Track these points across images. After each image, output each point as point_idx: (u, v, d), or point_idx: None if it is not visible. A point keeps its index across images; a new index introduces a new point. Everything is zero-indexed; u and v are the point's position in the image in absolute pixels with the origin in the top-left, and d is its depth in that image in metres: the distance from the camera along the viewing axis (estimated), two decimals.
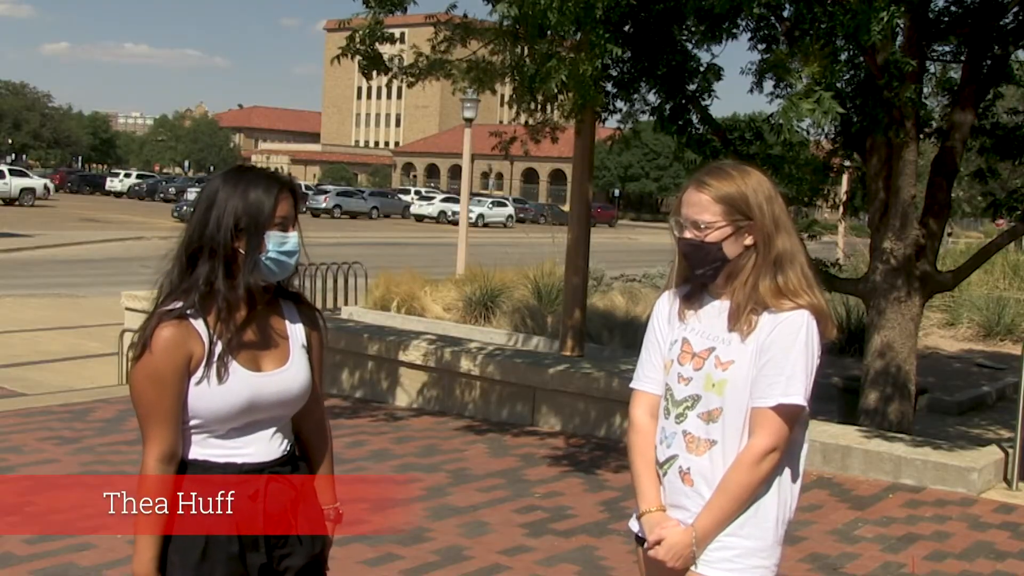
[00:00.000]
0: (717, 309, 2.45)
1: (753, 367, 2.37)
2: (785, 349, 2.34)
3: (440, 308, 15.17)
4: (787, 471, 2.43)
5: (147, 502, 2.28)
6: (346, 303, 16.37)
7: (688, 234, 2.41)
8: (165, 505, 2.30)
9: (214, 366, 2.28)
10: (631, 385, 2.62)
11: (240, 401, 2.31)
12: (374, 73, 8.03)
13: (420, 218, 57.81)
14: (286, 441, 2.45)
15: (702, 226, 2.39)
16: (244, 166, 2.45)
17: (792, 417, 2.36)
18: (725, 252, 2.39)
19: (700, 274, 2.44)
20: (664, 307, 2.59)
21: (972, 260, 8.20)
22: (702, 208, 2.39)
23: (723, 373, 2.39)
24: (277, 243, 2.32)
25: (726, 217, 2.38)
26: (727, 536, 2.39)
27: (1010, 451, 6.87)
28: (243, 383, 2.31)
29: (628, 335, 12.94)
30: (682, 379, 2.45)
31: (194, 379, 2.29)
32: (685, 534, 2.39)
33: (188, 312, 2.29)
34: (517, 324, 13.95)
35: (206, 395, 2.29)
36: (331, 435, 2.62)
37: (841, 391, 8.96)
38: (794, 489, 2.46)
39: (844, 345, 12.05)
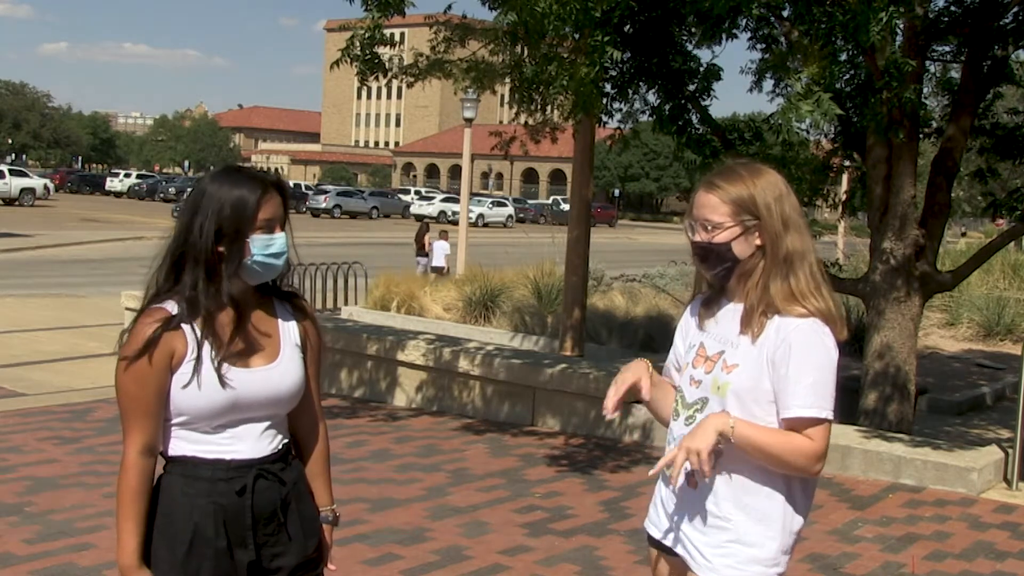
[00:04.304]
0: (732, 312, 2.44)
1: (758, 371, 2.34)
2: (802, 361, 2.31)
3: (440, 308, 15.18)
4: (798, 482, 2.41)
5: (129, 494, 2.29)
6: (346, 303, 16.38)
7: (699, 236, 2.40)
8: (148, 497, 2.32)
9: (197, 363, 2.29)
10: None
11: (224, 398, 2.31)
12: (372, 75, 8.01)
13: (420, 218, 57.78)
14: (279, 438, 2.44)
15: (710, 227, 2.37)
16: (232, 166, 2.43)
17: (827, 432, 2.34)
18: (735, 253, 2.38)
19: (712, 275, 2.43)
20: (684, 317, 2.61)
21: (972, 260, 8.19)
22: (711, 209, 2.37)
23: (727, 376, 2.37)
24: (262, 246, 2.32)
25: (734, 218, 2.36)
26: (732, 543, 2.37)
27: (1010, 451, 6.87)
28: (228, 380, 2.31)
29: (628, 335, 12.95)
30: (693, 382, 2.45)
31: (177, 376, 2.30)
32: (725, 415, 2.32)
33: (174, 312, 2.30)
34: (517, 324, 13.96)
35: (190, 392, 2.29)
36: (327, 435, 2.61)
37: (840, 391, 8.96)
38: (805, 500, 2.44)
39: (844, 345, 12.04)
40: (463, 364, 8.62)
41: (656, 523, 2.56)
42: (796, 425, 2.32)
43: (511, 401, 8.41)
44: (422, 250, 21.67)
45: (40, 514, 5.35)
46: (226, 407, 2.32)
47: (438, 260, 20.69)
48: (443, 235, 21.55)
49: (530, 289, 14.98)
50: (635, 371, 2.47)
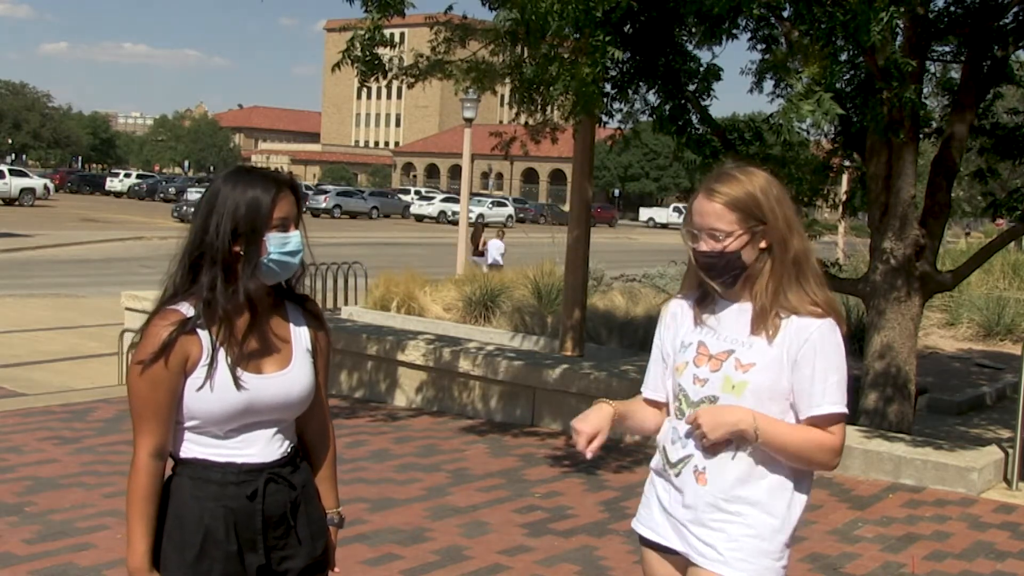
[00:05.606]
0: (735, 312, 2.45)
1: (777, 370, 2.37)
2: (826, 360, 2.39)
3: (440, 308, 15.18)
4: (802, 475, 2.46)
5: (140, 497, 2.29)
6: (346, 303, 16.38)
7: (705, 246, 2.38)
8: (158, 500, 2.31)
9: (211, 368, 2.29)
10: (640, 391, 2.68)
11: (238, 403, 2.31)
12: (373, 76, 8.00)
13: (420, 218, 57.86)
14: (287, 442, 2.44)
15: (720, 236, 2.36)
16: (245, 167, 2.44)
17: (844, 426, 2.42)
18: (744, 259, 2.38)
19: (720, 282, 2.43)
20: (669, 314, 2.60)
21: (972, 260, 8.19)
22: (717, 217, 2.36)
23: (743, 375, 2.39)
24: (278, 244, 2.32)
25: (742, 224, 2.36)
26: (744, 537, 2.39)
27: (1010, 451, 6.87)
28: (241, 385, 2.31)
29: (628, 335, 12.94)
30: (698, 380, 2.45)
31: (191, 380, 2.29)
32: (748, 415, 2.35)
33: (189, 315, 2.30)
34: (517, 324, 13.95)
35: (203, 397, 2.29)
36: (335, 439, 2.62)
37: None
38: (806, 493, 2.49)
39: (844, 344, 12.03)
40: (463, 364, 8.62)
41: (649, 523, 2.57)
42: (821, 422, 2.40)
43: (511, 401, 8.40)
44: (478, 250, 22.95)
45: (40, 514, 5.35)
46: (238, 412, 2.32)
47: (493, 258, 21.75)
48: (499, 234, 23.02)
49: (530, 289, 14.98)
50: (594, 423, 2.47)
